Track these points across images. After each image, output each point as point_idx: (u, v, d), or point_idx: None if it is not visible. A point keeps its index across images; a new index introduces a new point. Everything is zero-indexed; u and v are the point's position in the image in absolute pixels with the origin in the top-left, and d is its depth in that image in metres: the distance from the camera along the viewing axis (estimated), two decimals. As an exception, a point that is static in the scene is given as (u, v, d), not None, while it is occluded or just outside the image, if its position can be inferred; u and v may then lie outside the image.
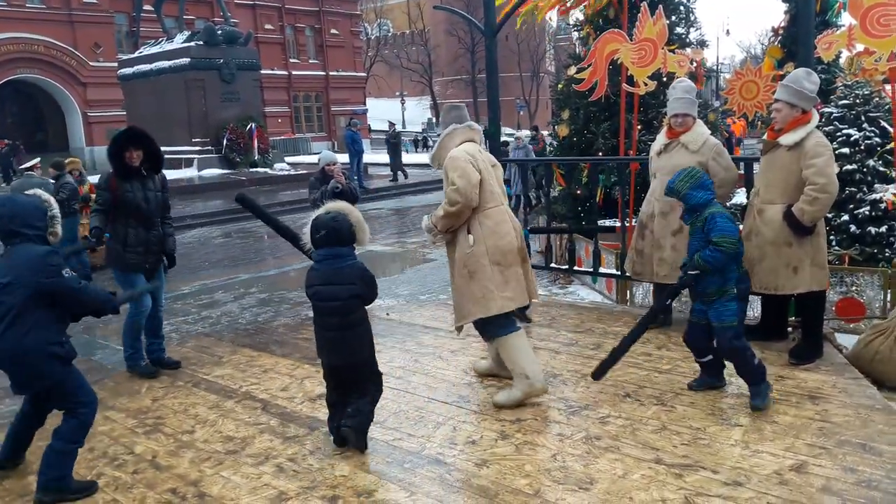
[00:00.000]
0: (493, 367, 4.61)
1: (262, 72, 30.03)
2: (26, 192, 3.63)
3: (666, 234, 5.17)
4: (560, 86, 11.34)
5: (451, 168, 4.11)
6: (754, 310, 5.60)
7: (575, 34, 10.49)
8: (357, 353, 3.65)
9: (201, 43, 24.81)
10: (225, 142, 24.35)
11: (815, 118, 4.57)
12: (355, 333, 3.62)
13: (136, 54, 28.27)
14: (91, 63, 31.34)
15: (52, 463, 3.32)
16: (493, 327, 4.18)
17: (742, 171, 5.67)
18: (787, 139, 4.52)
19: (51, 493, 3.30)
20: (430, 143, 44.51)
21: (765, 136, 4.80)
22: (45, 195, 3.51)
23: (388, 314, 6.40)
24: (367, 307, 3.71)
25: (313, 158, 18.37)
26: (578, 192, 9.98)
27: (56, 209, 3.51)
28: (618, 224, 7.69)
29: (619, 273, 6.56)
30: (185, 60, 24.51)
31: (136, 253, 4.99)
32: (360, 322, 3.64)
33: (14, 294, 3.18)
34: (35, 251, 3.26)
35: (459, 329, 4.39)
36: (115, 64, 29.79)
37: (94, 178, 17.20)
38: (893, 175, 7.13)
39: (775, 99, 4.62)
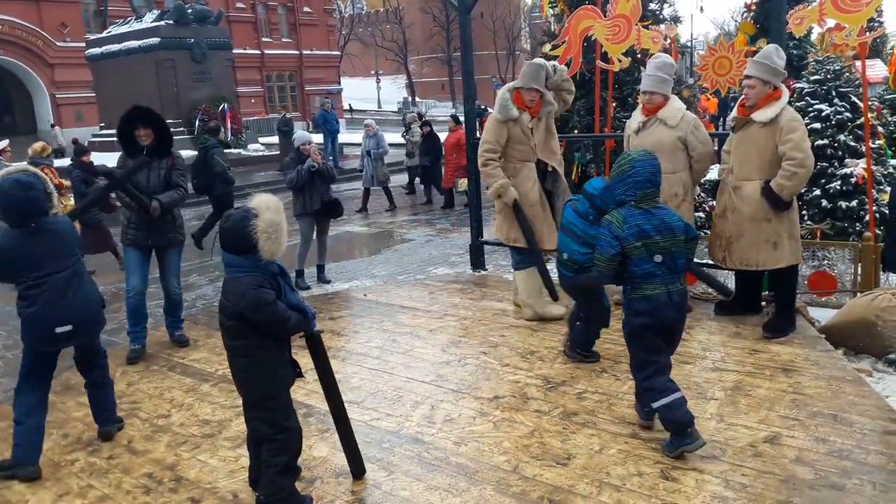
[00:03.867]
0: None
1: (234, 51, 29.53)
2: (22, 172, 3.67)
3: None
4: (535, 63, 11.29)
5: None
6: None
7: (549, 11, 10.39)
8: (248, 387, 2.92)
9: (171, 22, 24.32)
10: (197, 123, 24.00)
11: (786, 94, 4.60)
12: (247, 362, 2.87)
13: (104, 34, 27.65)
14: (58, 43, 30.69)
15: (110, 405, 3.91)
16: None
17: (716, 147, 5.69)
18: (760, 115, 4.54)
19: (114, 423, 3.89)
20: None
21: (734, 113, 4.81)
22: (42, 174, 3.65)
23: (365, 294, 6.38)
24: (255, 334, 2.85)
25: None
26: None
27: (49, 184, 3.66)
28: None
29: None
30: (155, 40, 24.03)
31: (136, 230, 5.09)
32: (250, 351, 2.85)
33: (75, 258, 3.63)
34: (67, 221, 3.75)
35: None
36: (83, 44, 29.13)
37: (64, 162, 16.91)
38: (864, 150, 7.21)
39: (747, 76, 4.63)
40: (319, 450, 3.52)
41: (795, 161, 4.42)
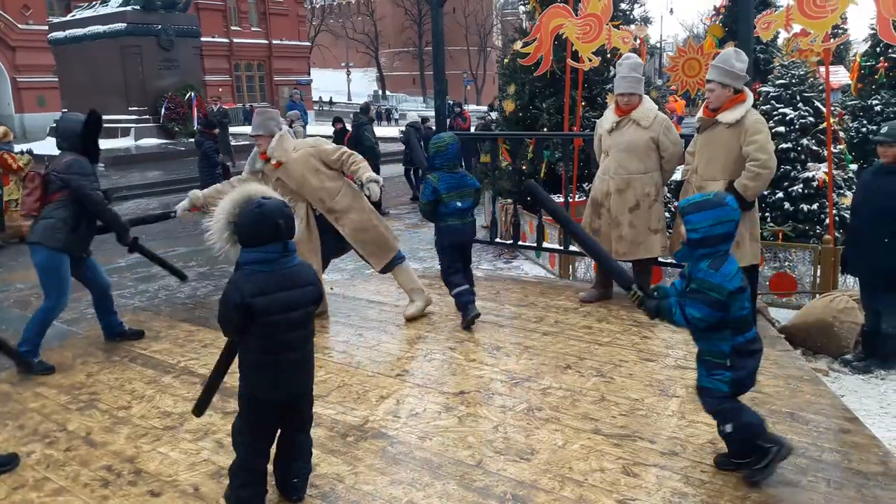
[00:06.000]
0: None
1: (203, 39, 29.13)
2: None
3: (623, 210, 5.21)
4: (506, 60, 11.34)
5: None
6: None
7: (521, 8, 10.43)
8: (311, 377, 2.94)
9: (138, 7, 23.91)
10: (163, 111, 23.64)
11: (751, 97, 4.67)
12: (310, 350, 2.88)
13: (67, 17, 27.08)
14: (20, 25, 29.88)
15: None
16: None
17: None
18: (726, 117, 4.60)
19: None
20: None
21: (699, 115, 4.87)
22: None
23: (332, 288, 6.34)
24: None
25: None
26: (523, 167, 10.03)
27: None
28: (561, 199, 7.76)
29: (562, 248, 6.63)
30: (121, 26, 23.61)
31: (80, 238, 4.79)
32: (312, 335, 2.90)
33: None
34: None
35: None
36: (46, 27, 28.47)
37: (24, 146, 16.52)
38: (825, 154, 7.36)
39: (707, 79, 4.70)
40: (283, 443, 3.49)
41: (759, 162, 4.49)
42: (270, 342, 2.72)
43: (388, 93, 62.88)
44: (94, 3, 26.64)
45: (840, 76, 15.00)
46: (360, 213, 5.19)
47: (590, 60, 7.60)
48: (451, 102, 22.57)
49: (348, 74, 64.01)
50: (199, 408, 3.14)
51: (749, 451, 2.93)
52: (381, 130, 17.62)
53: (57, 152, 4.81)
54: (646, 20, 11.07)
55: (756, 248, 4.79)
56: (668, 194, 7.90)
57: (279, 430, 2.91)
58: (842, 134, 9.58)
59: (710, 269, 2.81)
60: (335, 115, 15.95)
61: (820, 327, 5.31)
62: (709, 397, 2.97)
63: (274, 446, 2.94)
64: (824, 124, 7.39)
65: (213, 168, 11.86)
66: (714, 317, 2.81)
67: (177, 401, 4.06)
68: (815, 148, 7.84)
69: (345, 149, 5.21)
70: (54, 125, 4.88)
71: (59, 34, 26.31)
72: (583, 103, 9.16)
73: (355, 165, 5.08)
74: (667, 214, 7.74)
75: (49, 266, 4.66)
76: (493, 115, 17.89)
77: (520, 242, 7.35)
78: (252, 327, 2.69)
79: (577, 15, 7.48)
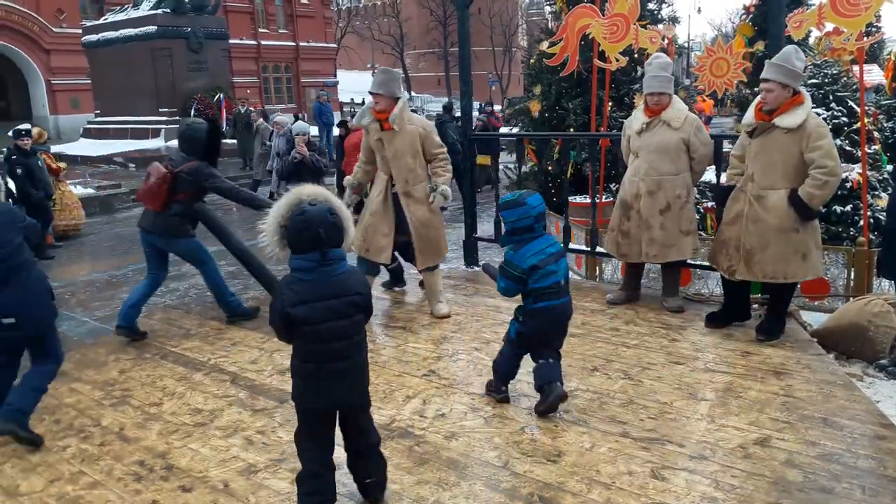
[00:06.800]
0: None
1: (231, 41, 29.46)
2: None
3: (654, 212, 5.13)
4: (532, 61, 11.31)
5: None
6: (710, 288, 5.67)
7: (547, 8, 10.41)
8: (363, 386, 2.90)
9: (168, 11, 24.21)
10: (192, 112, 23.89)
11: (809, 98, 4.43)
12: (360, 359, 2.84)
13: (100, 21, 27.51)
14: (54, 29, 30.41)
15: (28, 398, 3.63)
16: None
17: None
18: (785, 121, 4.31)
19: (10, 423, 3.51)
20: None
21: (750, 118, 4.54)
22: None
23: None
24: None
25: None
26: (549, 167, 10.00)
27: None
28: (588, 200, 7.72)
29: (588, 249, 6.60)
30: (152, 28, 23.92)
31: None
32: (363, 344, 2.86)
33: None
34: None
35: None
36: (80, 30, 28.96)
37: (60, 148, 16.75)
38: (859, 155, 7.24)
39: (764, 79, 4.37)
40: (311, 442, 3.51)
41: (826, 169, 4.21)
42: (313, 350, 2.71)
43: (413, 94, 63.06)
44: (126, 6, 27.04)
45: (874, 75, 14.72)
46: (432, 211, 5.33)
47: (617, 60, 7.54)
48: (482, 104, 22.46)
49: (373, 76, 64.28)
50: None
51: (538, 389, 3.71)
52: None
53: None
54: (673, 19, 10.98)
55: (820, 258, 4.61)
56: (696, 196, 7.83)
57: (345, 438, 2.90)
58: (876, 134, 9.42)
59: (511, 252, 3.64)
60: (341, 119, 15.84)
61: (854, 331, 5.22)
62: (506, 339, 3.87)
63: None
64: (858, 124, 7.27)
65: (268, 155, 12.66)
66: (514, 287, 3.66)
67: (207, 398, 4.11)
68: (848, 148, 7.72)
69: (444, 149, 5.35)
70: (183, 129, 5.30)
71: (93, 37, 26.74)
72: (610, 103, 9.11)
73: (442, 170, 5.27)
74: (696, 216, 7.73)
75: (192, 247, 5.36)
76: (495, 107, 17.55)
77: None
78: (297, 334, 2.71)
79: (603, 15, 7.43)
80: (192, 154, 5.19)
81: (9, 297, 3.50)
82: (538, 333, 3.72)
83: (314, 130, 18.05)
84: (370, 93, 5.19)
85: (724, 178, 5.32)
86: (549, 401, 3.61)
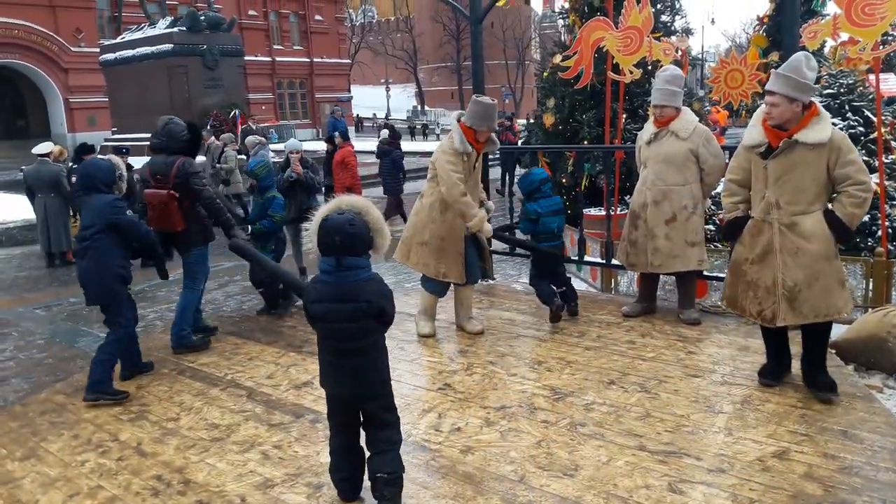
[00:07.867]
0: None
1: (246, 58, 29.75)
2: (102, 158, 4.91)
3: (659, 222, 5.16)
4: (545, 74, 11.32)
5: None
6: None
7: (560, 22, 10.43)
8: (373, 379, 3.00)
9: (184, 29, 24.55)
10: (208, 128, 24.13)
11: (824, 110, 3.92)
12: (369, 360, 2.98)
13: (118, 40, 27.93)
14: (73, 48, 30.98)
15: (97, 370, 4.38)
16: None
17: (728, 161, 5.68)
18: (811, 136, 3.76)
19: (93, 392, 4.35)
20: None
21: (761, 137, 3.93)
22: (117, 160, 4.83)
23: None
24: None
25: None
26: (564, 180, 9.99)
27: (123, 170, 4.79)
28: (603, 213, 7.70)
29: (603, 262, 6.58)
30: (168, 46, 24.26)
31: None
32: (374, 347, 3.00)
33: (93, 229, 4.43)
34: (105, 199, 4.51)
35: None
36: (97, 49, 29.43)
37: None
38: (877, 165, 7.19)
39: (769, 91, 3.84)
40: (326, 456, 3.51)
41: (864, 185, 3.73)
42: (327, 345, 2.99)
43: (426, 108, 63.30)
44: (143, 25, 27.44)
45: (891, 84, 14.58)
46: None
47: (631, 73, 7.55)
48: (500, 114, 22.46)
49: (387, 90, 64.62)
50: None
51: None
52: (418, 145, 17.33)
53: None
54: (687, 31, 10.96)
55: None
56: (712, 207, 7.80)
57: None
58: (893, 144, 9.34)
59: (528, 204, 5.36)
60: (327, 137, 15.08)
61: (873, 342, 5.15)
62: (532, 281, 5.66)
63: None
64: (875, 134, 7.22)
65: (399, 172, 13.16)
66: (527, 226, 5.40)
67: (224, 412, 4.13)
68: (865, 159, 7.66)
69: None
70: (165, 122, 5.31)
71: (110, 56, 27.13)
72: (624, 115, 9.10)
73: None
74: (710, 227, 7.69)
75: (201, 258, 5.52)
76: (518, 121, 17.41)
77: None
78: (315, 327, 3.00)
79: (617, 27, 7.45)
80: (175, 150, 5.15)
81: (83, 266, 4.47)
82: (542, 260, 5.49)
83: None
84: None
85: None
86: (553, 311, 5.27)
